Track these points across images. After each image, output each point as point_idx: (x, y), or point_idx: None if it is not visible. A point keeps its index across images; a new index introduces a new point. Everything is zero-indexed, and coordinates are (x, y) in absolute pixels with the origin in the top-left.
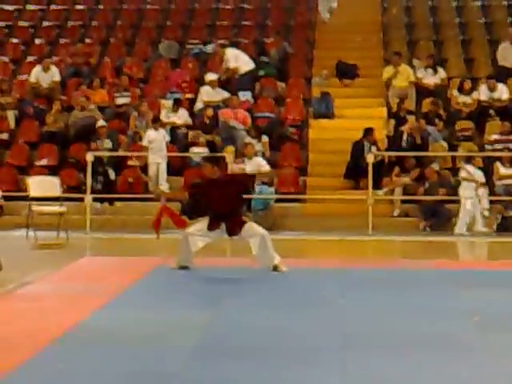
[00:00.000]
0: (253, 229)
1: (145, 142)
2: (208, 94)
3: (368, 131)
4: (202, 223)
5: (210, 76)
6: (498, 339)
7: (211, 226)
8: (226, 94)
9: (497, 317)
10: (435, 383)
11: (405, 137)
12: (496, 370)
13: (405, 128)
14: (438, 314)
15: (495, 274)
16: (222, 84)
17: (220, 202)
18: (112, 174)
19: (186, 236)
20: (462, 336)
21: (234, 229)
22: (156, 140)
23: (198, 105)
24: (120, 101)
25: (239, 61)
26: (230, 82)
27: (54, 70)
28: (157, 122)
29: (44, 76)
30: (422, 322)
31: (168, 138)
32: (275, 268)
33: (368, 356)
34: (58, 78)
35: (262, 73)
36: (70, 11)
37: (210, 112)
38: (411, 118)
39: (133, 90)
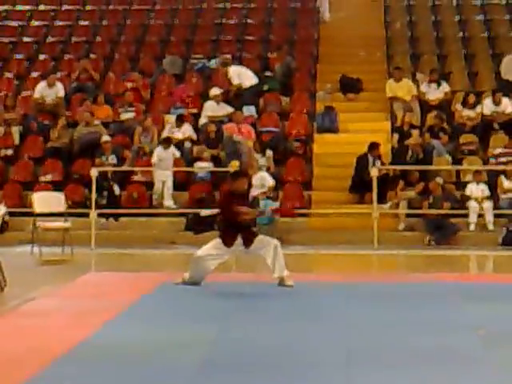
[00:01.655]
0: (264, 240)
1: (154, 160)
2: (212, 109)
3: (373, 146)
4: (213, 244)
5: (214, 91)
6: (502, 353)
7: (229, 241)
8: (230, 109)
9: (502, 330)
10: None
11: (409, 151)
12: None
13: (409, 142)
14: (442, 328)
15: (500, 287)
16: (227, 99)
17: (237, 213)
18: (117, 190)
19: (196, 260)
20: (466, 350)
21: (250, 239)
22: (165, 159)
23: (203, 120)
24: (124, 116)
25: (242, 77)
26: (235, 98)
27: (59, 85)
28: (167, 142)
29: (48, 92)
30: (427, 336)
31: (178, 155)
32: (281, 281)
33: (373, 371)
34: (62, 93)
35: (265, 87)
36: (74, 27)
37: (212, 127)
38: (415, 132)
39: (137, 105)
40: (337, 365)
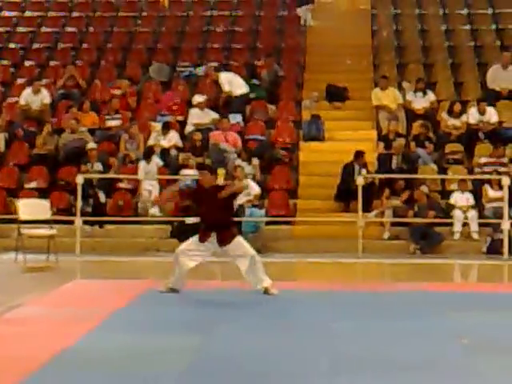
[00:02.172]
0: (243, 248)
1: (140, 176)
2: (198, 116)
3: (358, 154)
4: (192, 239)
5: (197, 98)
6: (486, 361)
7: (202, 237)
8: (214, 115)
9: (485, 339)
10: None
11: (394, 159)
12: None
13: (393, 150)
14: (426, 337)
15: (484, 296)
16: (216, 106)
17: (211, 210)
18: (102, 197)
19: (177, 255)
20: (450, 358)
21: (225, 238)
22: (149, 171)
23: (189, 127)
24: (110, 123)
25: (233, 85)
26: (224, 105)
27: (44, 92)
28: (149, 154)
29: (34, 98)
30: (411, 345)
31: (161, 164)
32: (266, 291)
33: (356, 380)
34: (48, 100)
35: (252, 95)
36: (60, 33)
37: (198, 136)
38: (400, 141)
39: (123, 112)
40: (320, 374)
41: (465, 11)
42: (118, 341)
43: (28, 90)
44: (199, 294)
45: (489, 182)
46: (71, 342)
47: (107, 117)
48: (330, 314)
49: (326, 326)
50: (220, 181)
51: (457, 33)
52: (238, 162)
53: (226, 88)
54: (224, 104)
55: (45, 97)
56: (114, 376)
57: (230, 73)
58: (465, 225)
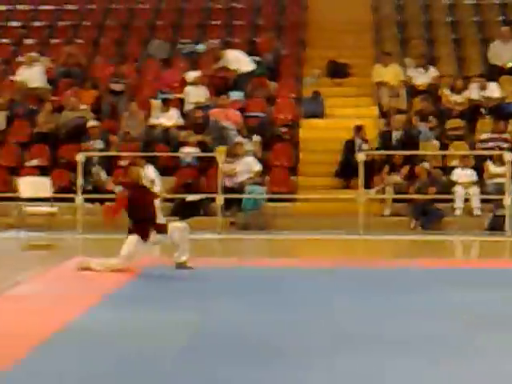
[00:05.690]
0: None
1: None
2: (193, 94)
3: (358, 128)
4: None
5: (193, 74)
6: (487, 338)
7: (145, 236)
8: (207, 93)
9: (487, 315)
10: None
11: (394, 135)
12: (485, 369)
13: (393, 126)
14: (427, 314)
15: (486, 272)
16: (216, 83)
17: (148, 207)
18: (103, 175)
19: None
20: (450, 335)
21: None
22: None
23: (188, 105)
24: (114, 87)
25: (240, 62)
26: (226, 82)
27: (38, 66)
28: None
29: (29, 72)
30: (412, 322)
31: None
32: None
33: (356, 357)
34: (42, 73)
35: (253, 72)
36: (60, 11)
37: (199, 113)
38: (400, 117)
39: (129, 78)
40: (321, 351)
41: None
42: (119, 317)
43: (23, 66)
44: (200, 271)
45: (491, 157)
46: (71, 319)
47: (113, 79)
48: (331, 290)
49: (327, 302)
50: (220, 158)
51: (459, 7)
52: (239, 139)
53: (232, 65)
54: (234, 82)
55: (39, 70)
56: (115, 351)
57: (237, 50)
58: (466, 201)
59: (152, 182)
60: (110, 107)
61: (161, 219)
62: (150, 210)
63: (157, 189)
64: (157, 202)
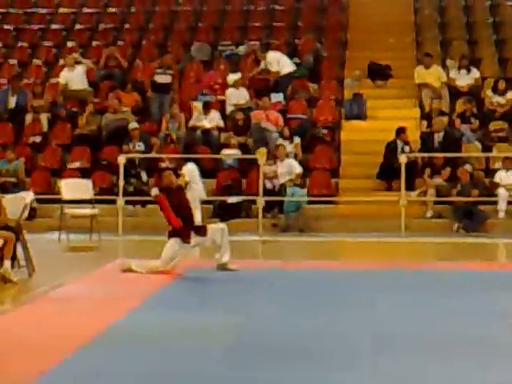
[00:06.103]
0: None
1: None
2: (234, 96)
3: (400, 130)
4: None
5: (233, 76)
6: None
7: (186, 238)
8: (247, 95)
9: None
10: None
11: (436, 137)
12: None
13: (434, 128)
14: (471, 316)
15: None
16: (257, 85)
17: (185, 208)
18: (144, 176)
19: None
20: (496, 338)
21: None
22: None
23: (229, 107)
24: (160, 78)
25: (281, 64)
26: (272, 85)
27: (79, 68)
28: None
29: (71, 75)
30: (455, 324)
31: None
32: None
33: (399, 358)
34: (83, 74)
35: (294, 74)
36: (102, 14)
37: (240, 115)
38: (442, 118)
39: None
40: (363, 350)
41: None
42: (162, 318)
43: (65, 69)
44: (242, 273)
45: None
46: (116, 320)
47: (158, 70)
48: (373, 292)
49: (369, 304)
50: (261, 160)
51: (502, 8)
52: (280, 141)
53: (274, 67)
54: (275, 83)
55: (80, 72)
56: (160, 351)
57: (278, 52)
58: (510, 203)
59: (187, 183)
60: (152, 108)
61: (198, 220)
62: (187, 212)
63: (196, 187)
64: (197, 204)
